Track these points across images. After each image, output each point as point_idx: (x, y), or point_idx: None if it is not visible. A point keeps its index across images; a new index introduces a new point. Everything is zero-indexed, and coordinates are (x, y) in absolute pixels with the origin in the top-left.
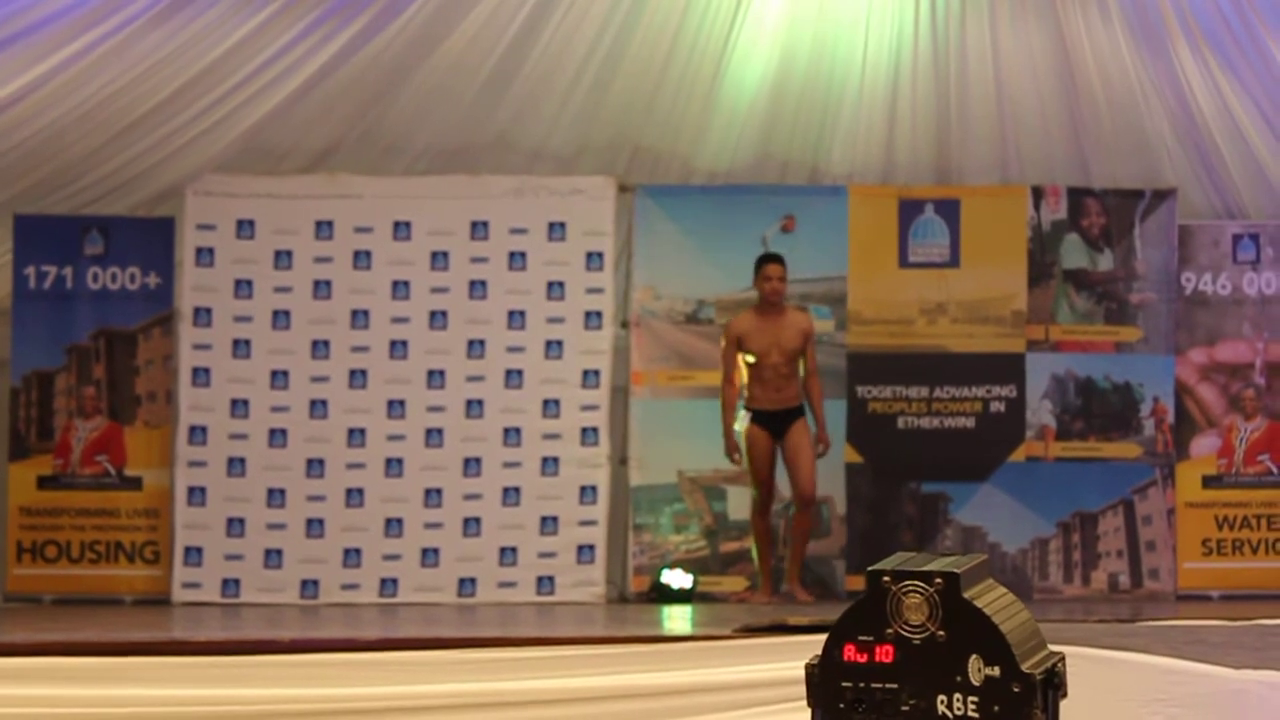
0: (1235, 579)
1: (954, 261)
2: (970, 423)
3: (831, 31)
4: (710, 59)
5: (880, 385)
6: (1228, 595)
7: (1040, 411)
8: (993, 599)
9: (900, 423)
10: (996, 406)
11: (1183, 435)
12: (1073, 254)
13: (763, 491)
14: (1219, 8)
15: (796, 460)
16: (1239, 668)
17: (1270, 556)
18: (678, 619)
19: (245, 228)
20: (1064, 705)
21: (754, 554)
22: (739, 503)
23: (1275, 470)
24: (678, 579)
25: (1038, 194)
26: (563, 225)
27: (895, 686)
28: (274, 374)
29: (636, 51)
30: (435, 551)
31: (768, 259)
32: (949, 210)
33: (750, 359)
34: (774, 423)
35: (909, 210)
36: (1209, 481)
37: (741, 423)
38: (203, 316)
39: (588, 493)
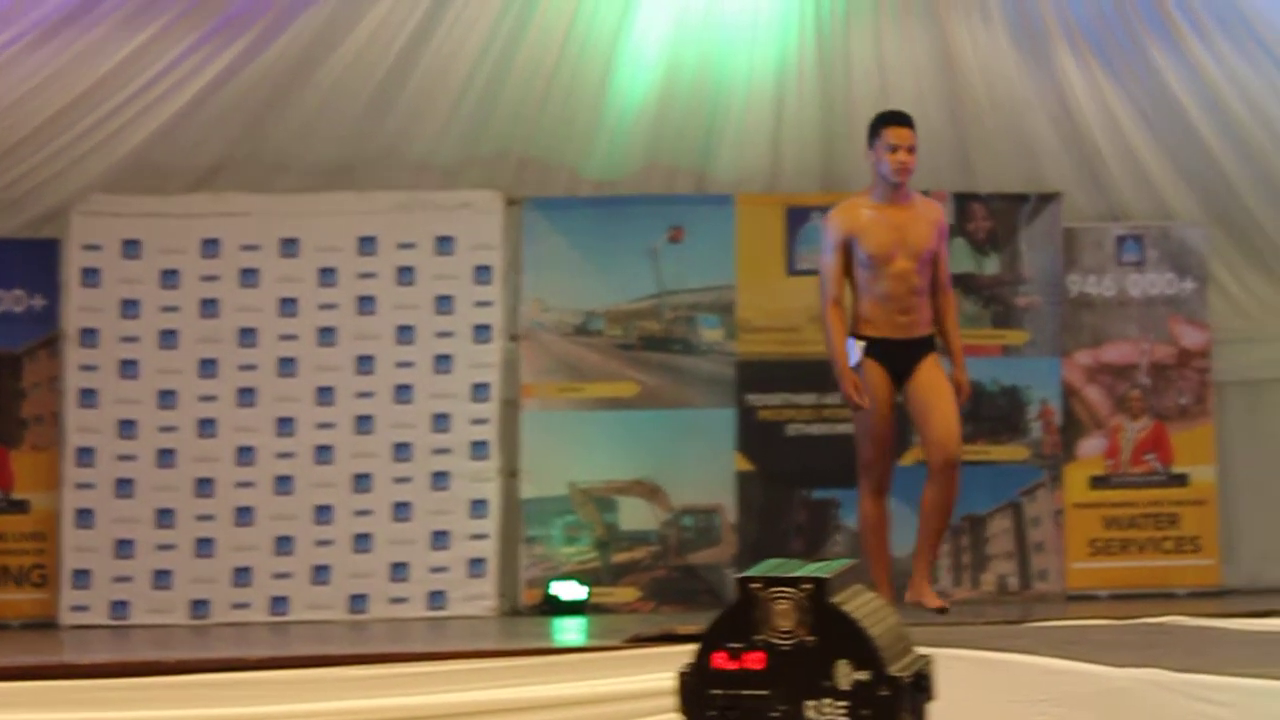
0: (1123, 578)
1: None
2: None
3: (717, 41)
4: (596, 70)
5: (770, 393)
6: (1116, 595)
7: None
8: (861, 604)
9: (790, 430)
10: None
11: (1070, 437)
12: (959, 258)
13: (879, 457)
14: (1101, 12)
15: (932, 407)
16: (1122, 666)
17: (1156, 555)
18: (570, 631)
19: (131, 247)
20: (954, 706)
21: (866, 555)
22: (631, 514)
23: (1161, 470)
24: (569, 591)
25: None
26: (450, 239)
27: (765, 693)
28: (161, 394)
29: (522, 63)
30: (326, 569)
31: (892, 118)
32: None
33: (867, 267)
34: (896, 359)
35: (796, 218)
36: (1096, 482)
37: (854, 355)
38: (89, 337)
39: (478, 506)
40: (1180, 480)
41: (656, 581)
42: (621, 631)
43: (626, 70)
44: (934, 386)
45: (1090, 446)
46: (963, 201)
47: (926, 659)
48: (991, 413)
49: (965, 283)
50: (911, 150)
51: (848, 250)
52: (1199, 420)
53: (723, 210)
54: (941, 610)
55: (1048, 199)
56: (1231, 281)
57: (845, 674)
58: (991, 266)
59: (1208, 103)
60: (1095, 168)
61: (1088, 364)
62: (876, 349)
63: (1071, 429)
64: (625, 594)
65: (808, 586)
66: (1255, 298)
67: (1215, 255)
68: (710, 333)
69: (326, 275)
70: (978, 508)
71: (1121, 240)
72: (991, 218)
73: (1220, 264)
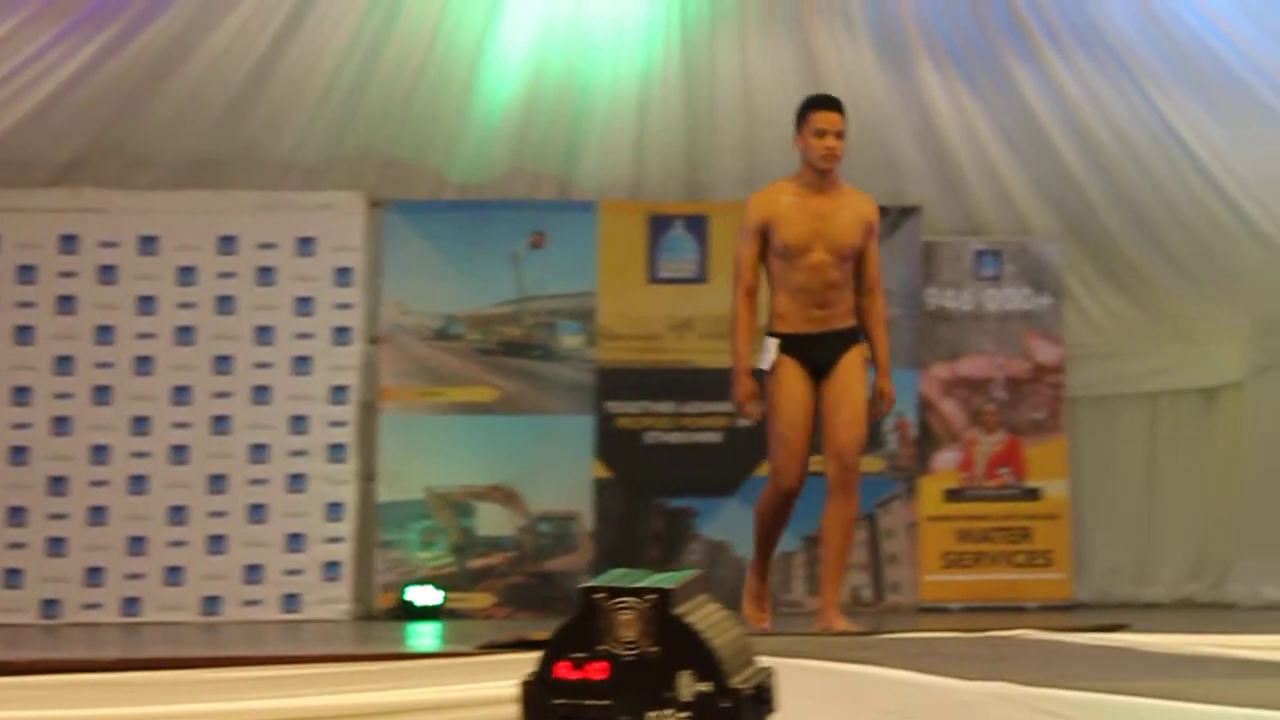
0: (975, 591)
1: (702, 277)
2: (717, 438)
3: (583, 46)
4: (462, 73)
5: (629, 401)
6: (968, 607)
7: None
8: (704, 615)
9: (648, 438)
10: (743, 422)
11: (925, 449)
12: None
13: (790, 460)
14: (962, 27)
15: (838, 409)
16: (970, 679)
17: (1009, 569)
18: (424, 636)
19: None
20: (801, 718)
21: (755, 541)
22: (487, 519)
23: (1015, 484)
24: (425, 595)
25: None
26: (311, 240)
27: (608, 703)
28: (16, 390)
29: (388, 64)
30: (179, 570)
31: (820, 102)
32: (698, 226)
33: (782, 257)
34: (815, 354)
35: (658, 226)
36: (951, 495)
37: (768, 355)
38: None
39: (335, 509)
40: (1033, 494)
41: (512, 587)
42: (475, 637)
43: (492, 73)
44: (846, 388)
45: (945, 459)
46: None
47: (768, 671)
48: None
49: None
50: (840, 136)
51: (764, 238)
52: (1052, 435)
53: (585, 216)
54: (849, 634)
55: (908, 212)
56: (1086, 297)
57: (687, 685)
58: None
59: (1066, 119)
60: (955, 182)
61: (944, 377)
62: (796, 345)
63: (927, 442)
64: (481, 600)
65: (651, 597)
66: (1109, 313)
67: (1071, 271)
68: (570, 339)
69: (185, 274)
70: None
71: (980, 255)
72: None
73: (1076, 280)
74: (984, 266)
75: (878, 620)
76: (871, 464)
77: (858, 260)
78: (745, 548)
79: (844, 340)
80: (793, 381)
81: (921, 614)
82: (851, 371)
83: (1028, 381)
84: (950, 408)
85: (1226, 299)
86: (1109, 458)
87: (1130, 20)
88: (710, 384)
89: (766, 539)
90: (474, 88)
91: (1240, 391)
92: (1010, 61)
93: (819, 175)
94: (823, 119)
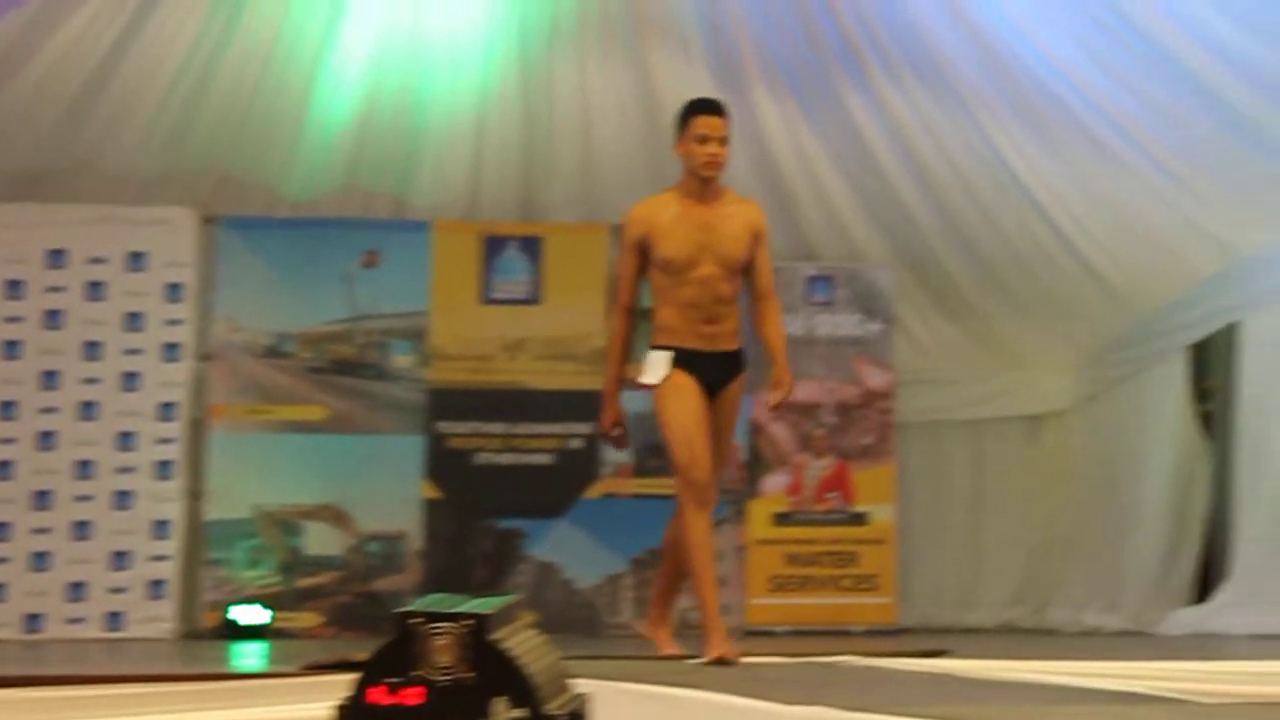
0: (802, 615)
1: (535, 298)
2: (548, 459)
3: (420, 64)
4: (298, 90)
5: (460, 421)
6: (795, 631)
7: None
8: (521, 640)
9: (479, 459)
10: (575, 443)
11: (755, 473)
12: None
13: (695, 454)
14: (797, 54)
15: (718, 437)
16: (791, 704)
17: (835, 593)
18: (248, 656)
19: None
20: None
21: (695, 577)
22: (316, 539)
23: (843, 508)
24: (250, 615)
25: (619, 232)
26: (143, 255)
27: None
28: None
29: (224, 79)
30: (2, 586)
31: (702, 106)
32: (531, 247)
33: (667, 272)
34: (704, 371)
35: (493, 247)
36: (780, 519)
37: (656, 370)
38: None
39: (161, 527)
40: (860, 519)
41: (340, 607)
42: (301, 657)
43: (328, 91)
44: (725, 426)
45: (774, 483)
46: None
47: (583, 697)
48: None
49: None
50: (724, 142)
51: (644, 252)
52: (881, 460)
53: (419, 236)
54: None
55: None
56: (917, 324)
57: (502, 711)
58: None
59: (900, 147)
60: (788, 207)
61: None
62: (688, 360)
63: (757, 465)
64: (308, 619)
65: (468, 623)
66: (939, 340)
67: (902, 298)
68: (402, 359)
69: (13, 288)
70: (661, 542)
71: (812, 280)
72: None
73: (907, 306)
74: (816, 292)
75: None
76: None
77: (746, 271)
78: (574, 569)
79: (730, 367)
80: (685, 389)
81: (749, 637)
82: (732, 405)
83: (857, 407)
84: (780, 432)
85: (1054, 328)
86: (936, 483)
87: (964, 51)
88: (542, 405)
89: (704, 557)
90: (310, 104)
91: (1065, 419)
92: (845, 89)
93: (701, 184)
94: (705, 124)
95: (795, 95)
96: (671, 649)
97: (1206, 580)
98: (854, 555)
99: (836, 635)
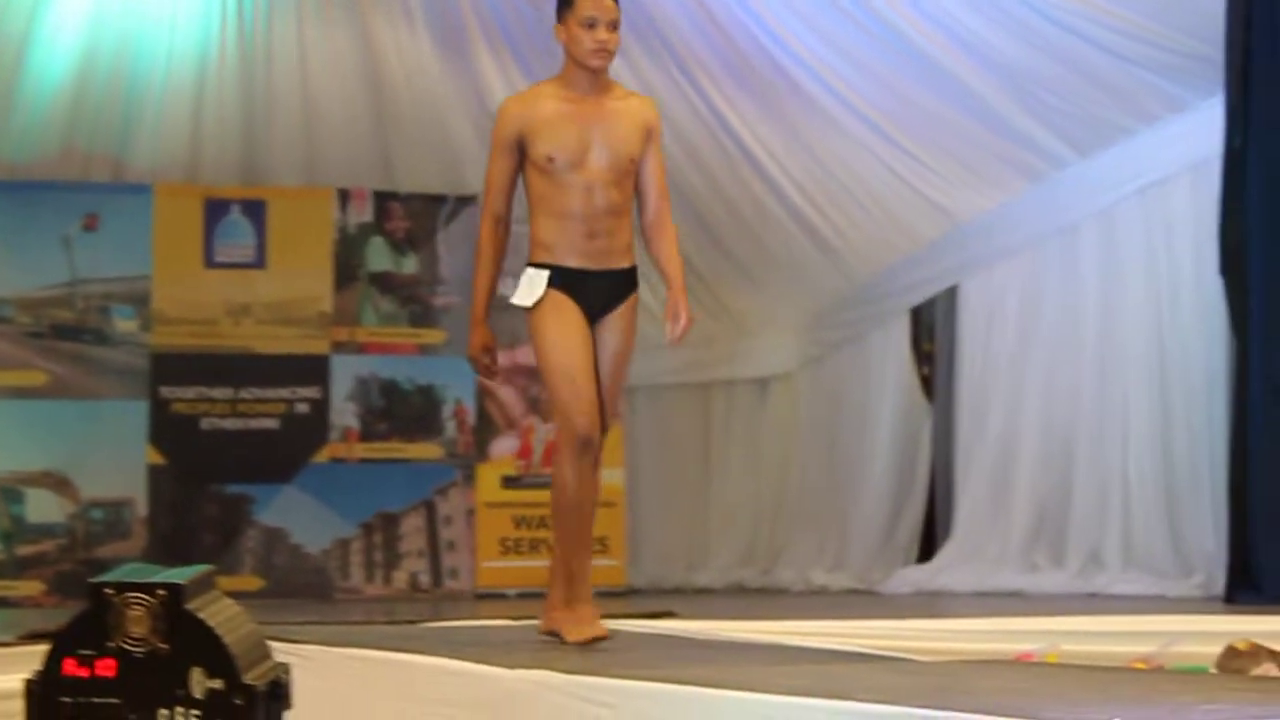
0: (531, 577)
1: (260, 263)
2: (275, 424)
3: (137, 26)
4: (11, 50)
5: (184, 386)
6: (524, 593)
7: (344, 413)
8: (217, 610)
9: (204, 424)
10: (301, 408)
11: (483, 437)
12: (378, 257)
13: (578, 395)
14: (520, 17)
15: (603, 373)
16: (514, 668)
17: None
18: None
19: None
20: (347, 707)
21: (561, 540)
22: (37, 506)
23: None
24: None
25: (344, 196)
26: None
27: (117, 701)
28: None
29: None
30: None
31: None
32: (255, 211)
33: (546, 175)
34: (586, 295)
35: (215, 210)
36: (508, 482)
37: (531, 290)
38: None
39: None
40: None
41: (63, 575)
42: (21, 626)
43: (43, 51)
44: (615, 352)
45: (503, 446)
46: (382, 200)
47: (284, 666)
48: (406, 411)
49: (382, 281)
50: (614, 26)
51: (520, 151)
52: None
53: (140, 199)
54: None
55: (466, 201)
56: (644, 289)
57: (200, 682)
58: (410, 266)
59: None
60: None
61: (503, 365)
62: (562, 280)
63: (485, 429)
64: (30, 587)
65: (162, 593)
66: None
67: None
68: (124, 323)
69: None
70: (391, 505)
71: None
72: (410, 218)
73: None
74: None
75: (436, 607)
76: (430, 450)
77: (639, 176)
78: (302, 535)
79: (621, 286)
80: (566, 314)
81: (479, 600)
82: (623, 331)
83: None
84: (508, 396)
85: (779, 292)
86: (665, 446)
87: (686, 17)
88: (268, 369)
89: (577, 517)
90: (25, 63)
91: (791, 382)
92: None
93: (588, 75)
94: (592, 5)
95: (518, 58)
96: (589, 628)
97: (930, 539)
98: None
99: None
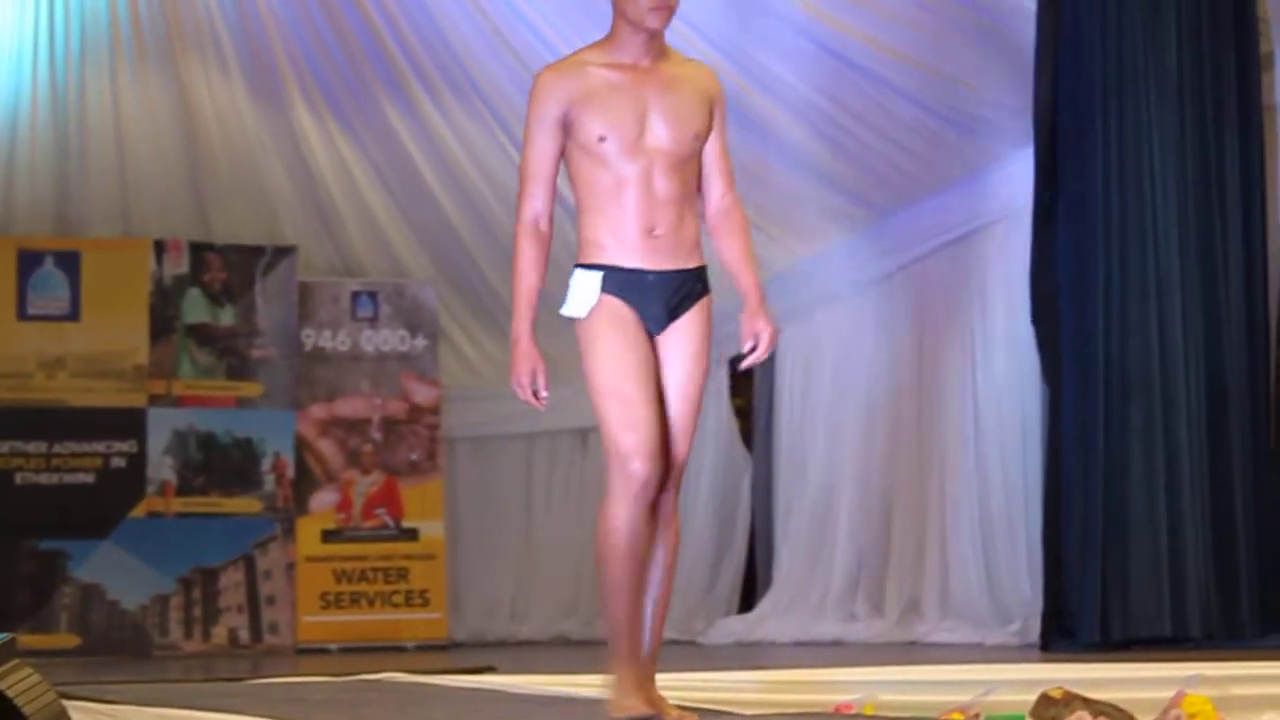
0: (353, 631)
1: (74, 315)
2: (90, 478)
3: None
4: None
5: None
6: (346, 648)
7: (161, 467)
8: (16, 681)
9: (18, 479)
10: (118, 462)
11: (303, 490)
12: (195, 309)
13: (638, 425)
14: (336, 69)
15: (670, 400)
16: None
17: (387, 609)
18: None
19: None
20: None
21: (611, 592)
22: None
23: (391, 524)
24: None
25: (160, 248)
26: None
27: None
28: None
29: None
30: None
31: None
32: (69, 262)
33: (596, 159)
34: (647, 302)
35: (29, 262)
36: (328, 535)
37: (582, 297)
38: None
39: None
40: (411, 534)
41: None
42: None
43: None
44: (687, 371)
45: (323, 500)
46: (198, 251)
47: None
48: (225, 464)
49: (200, 333)
50: None
51: (566, 130)
52: (429, 475)
53: None
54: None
55: (284, 252)
56: (463, 339)
57: None
58: (227, 318)
59: (439, 162)
60: (331, 223)
61: (321, 417)
62: (618, 283)
63: (305, 482)
64: None
65: None
66: (484, 355)
67: (447, 313)
68: None
69: None
70: (210, 560)
71: (356, 295)
72: (227, 269)
73: (452, 321)
74: (361, 308)
75: (256, 663)
76: (249, 504)
77: (699, 159)
78: (119, 590)
79: (688, 290)
80: (623, 327)
81: (300, 655)
82: (694, 346)
83: (404, 422)
84: (327, 448)
85: None
86: (484, 497)
87: (499, 66)
88: (83, 423)
89: (635, 574)
90: None
91: None
92: (384, 104)
93: (643, 38)
94: None
95: (335, 111)
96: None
97: (750, 589)
98: (404, 571)
99: (389, 651)
